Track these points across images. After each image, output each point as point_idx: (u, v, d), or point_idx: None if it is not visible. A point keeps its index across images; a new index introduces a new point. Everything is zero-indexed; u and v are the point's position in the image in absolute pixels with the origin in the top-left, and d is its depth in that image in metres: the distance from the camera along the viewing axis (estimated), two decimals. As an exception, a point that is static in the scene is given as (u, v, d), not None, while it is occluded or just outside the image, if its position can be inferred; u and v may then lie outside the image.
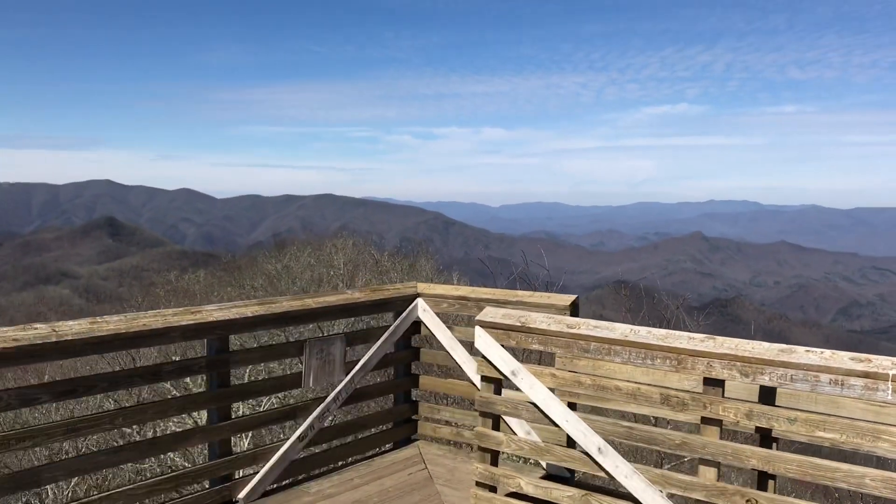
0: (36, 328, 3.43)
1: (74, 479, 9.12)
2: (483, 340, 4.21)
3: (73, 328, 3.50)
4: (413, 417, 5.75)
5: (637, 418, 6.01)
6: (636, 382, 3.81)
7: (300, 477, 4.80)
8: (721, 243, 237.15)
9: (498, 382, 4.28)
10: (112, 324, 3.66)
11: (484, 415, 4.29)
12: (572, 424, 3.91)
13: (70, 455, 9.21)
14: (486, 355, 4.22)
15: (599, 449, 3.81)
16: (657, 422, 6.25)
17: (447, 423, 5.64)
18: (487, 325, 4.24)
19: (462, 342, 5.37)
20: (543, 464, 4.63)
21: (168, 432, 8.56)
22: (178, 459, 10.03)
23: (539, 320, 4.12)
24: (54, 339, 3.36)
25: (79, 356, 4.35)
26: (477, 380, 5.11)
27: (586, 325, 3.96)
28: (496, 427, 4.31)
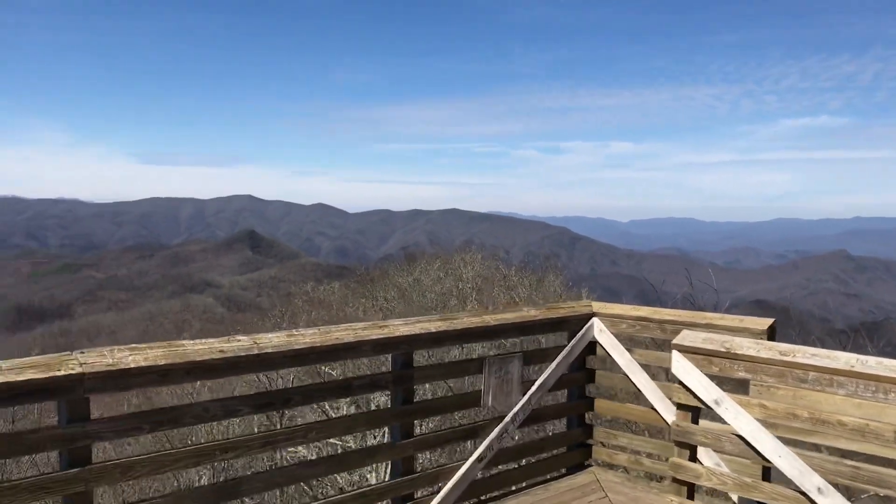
0: (239, 340, 3.47)
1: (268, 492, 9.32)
2: (681, 366, 3.95)
3: (273, 341, 3.53)
4: (587, 442, 5.52)
5: (856, 457, 5.51)
6: (865, 419, 3.43)
7: (482, 497, 4.67)
8: (868, 262, 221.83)
9: (696, 411, 4.01)
10: (308, 337, 3.68)
11: (680, 445, 4.03)
12: (787, 460, 3.58)
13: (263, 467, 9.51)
14: (683, 382, 3.96)
15: (819, 489, 3.47)
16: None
17: (624, 449, 5.37)
18: (686, 350, 3.98)
19: (642, 365, 5.10)
20: (734, 497, 4.33)
21: (356, 448, 8.61)
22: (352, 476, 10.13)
23: (746, 346, 3.81)
24: (256, 352, 3.40)
25: (277, 369, 4.43)
26: (660, 406, 4.84)
27: (803, 353, 3.62)
28: (693, 458, 4.03)
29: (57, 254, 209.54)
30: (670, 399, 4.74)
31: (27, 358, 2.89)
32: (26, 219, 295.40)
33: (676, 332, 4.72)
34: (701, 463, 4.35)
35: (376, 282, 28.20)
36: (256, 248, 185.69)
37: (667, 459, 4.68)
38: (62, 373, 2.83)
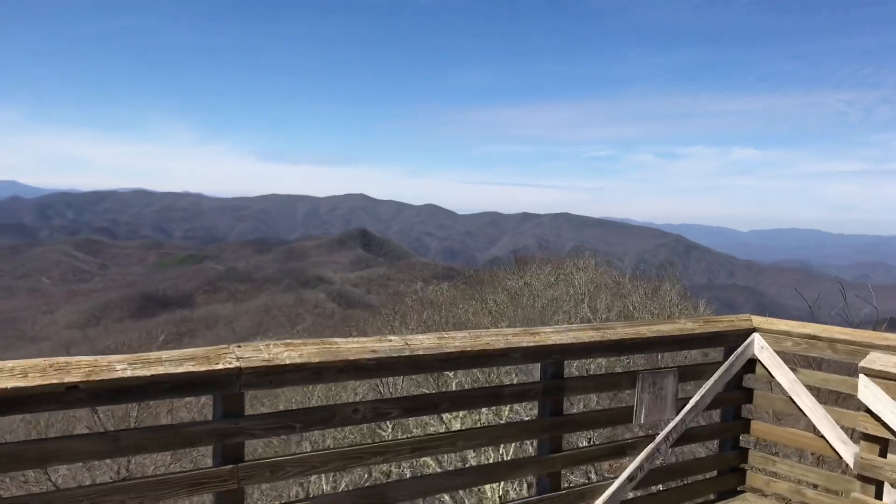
0: (391, 340, 3.36)
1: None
2: (870, 392, 3.53)
3: (424, 343, 3.41)
4: (741, 466, 5.11)
5: None
6: None
7: (630, 520, 4.37)
8: None
9: (885, 443, 3.57)
10: (458, 340, 3.53)
11: (864, 480, 3.61)
12: None
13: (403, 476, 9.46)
14: (872, 409, 3.54)
15: None
16: None
17: (782, 477, 4.93)
18: (877, 375, 3.55)
19: (808, 387, 4.65)
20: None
21: (500, 460, 8.41)
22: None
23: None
24: (407, 353, 3.29)
25: (427, 372, 4.30)
26: (830, 433, 4.40)
27: None
28: (878, 496, 3.60)
29: (181, 245, 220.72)
30: (842, 426, 4.31)
31: (186, 350, 2.85)
32: (154, 211, 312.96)
33: (850, 354, 4.30)
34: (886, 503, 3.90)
35: (485, 284, 28.06)
36: (367, 246, 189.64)
37: (837, 493, 4.25)
38: (220, 367, 2.79)
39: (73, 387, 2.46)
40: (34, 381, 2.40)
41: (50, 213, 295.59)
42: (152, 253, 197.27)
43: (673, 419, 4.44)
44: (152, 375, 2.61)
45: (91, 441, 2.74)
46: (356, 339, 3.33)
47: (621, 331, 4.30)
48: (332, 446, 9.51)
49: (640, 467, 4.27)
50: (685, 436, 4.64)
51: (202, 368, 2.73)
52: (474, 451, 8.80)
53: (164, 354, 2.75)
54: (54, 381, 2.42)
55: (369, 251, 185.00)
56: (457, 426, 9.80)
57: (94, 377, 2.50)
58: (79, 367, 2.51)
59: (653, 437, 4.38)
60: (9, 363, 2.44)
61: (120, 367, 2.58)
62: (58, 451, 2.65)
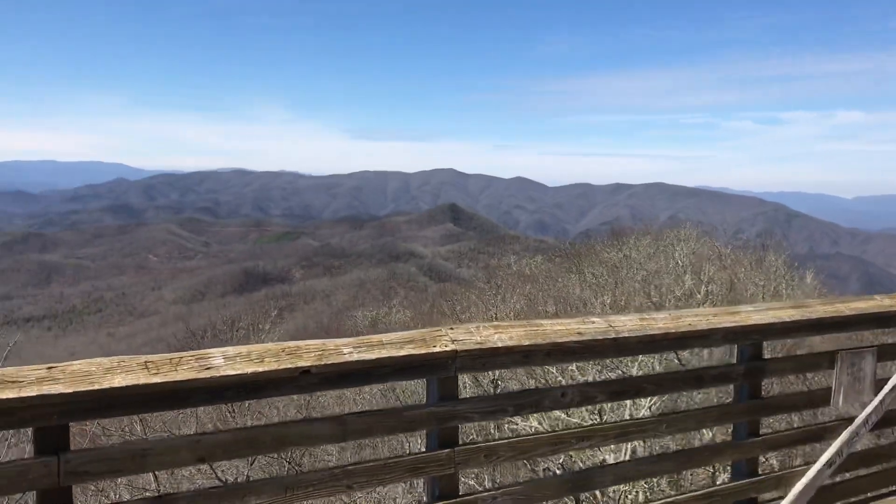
0: (594, 322, 3.27)
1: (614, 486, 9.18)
2: None
3: (627, 325, 3.30)
4: (943, 452, 4.86)
5: None
6: None
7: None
8: None
9: None
10: (661, 322, 3.40)
11: None
12: None
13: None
14: None
15: None
16: None
17: None
18: None
19: None
20: None
21: (697, 444, 8.22)
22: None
23: None
24: (613, 336, 3.20)
25: (631, 355, 4.26)
26: None
27: None
28: None
29: (279, 223, 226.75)
30: None
31: (404, 332, 2.86)
32: (253, 190, 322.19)
33: None
34: None
35: (582, 257, 27.71)
36: (457, 221, 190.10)
37: None
38: (437, 349, 2.77)
39: (305, 371, 2.47)
40: (270, 365, 2.40)
41: (155, 194, 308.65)
42: (252, 231, 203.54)
43: (872, 401, 4.28)
44: (377, 359, 2.62)
45: (324, 425, 2.72)
46: (559, 320, 3.28)
47: (820, 308, 4.11)
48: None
49: (838, 452, 4.10)
50: (884, 419, 4.44)
51: (421, 352, 2.73)
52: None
53: (385, 337, 2.77)
54: (288, 366, 2.43)
55: (459, 225, 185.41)
56: (607, 415, 9.62)
57: (324, 361, 2.51)
58: (309, 351, 2.52)
59: (851, 421, 4.21)
60: (243, 348, 2.46)
61: (347, 350, 2.60)
62: (293, 435, 2.70)
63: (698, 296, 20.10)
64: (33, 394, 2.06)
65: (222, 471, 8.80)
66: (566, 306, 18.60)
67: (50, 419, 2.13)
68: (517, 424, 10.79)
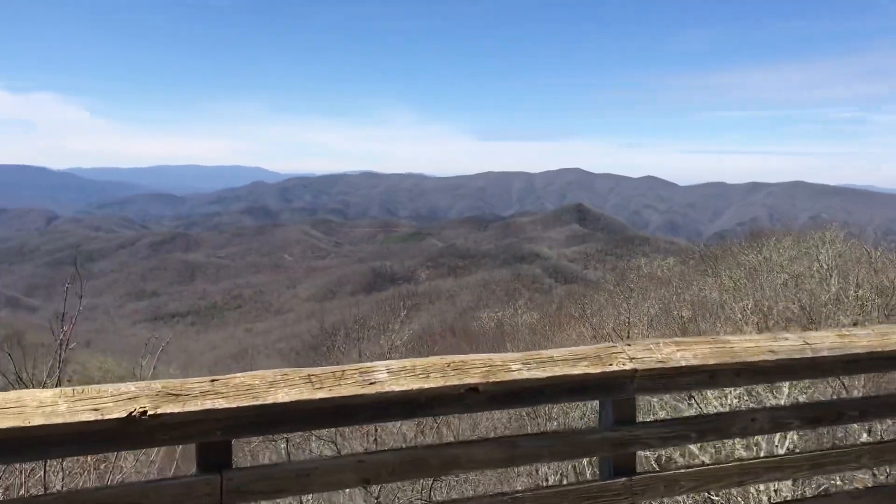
0: (787, 338, 2.89)
1: None
2: None
3: (825, 342, 2.91)
4: None
5: None
6: None
7: None
8: None
9: None
10: (864, 339, 2.97)
11: None
12: None
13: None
14: None
15: None
16: None
17: None
18: None
19: None
20: None
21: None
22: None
23: None
24: (809, 354, 2.83)
25: (828, 375, 3.83)
26: None
27: None
28: None
29: (406, 223, 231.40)
30: None
31: (576, 348, 2.60)
32: (380, 192, 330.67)
33: None
34: None
35: (719, 259, 26.53)
36: (584, 221, 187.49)
37: None
38: (613, 368, 2.51)
39: (472, 388, 2.28)
40: (436, 381, 2.25)
41: (290, 196, 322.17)
42: (380, 231, 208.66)
43: None
44: (549, 377, 2.39)
45: (491, 447, 2.52)
46: (748, 336, 2.96)
47: None
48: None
49: None
50: None
51: (596, 370, 2.48)
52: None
53: (556, 353, 2.52)
54: (455, 383, 2.26)
55: (585, 226, 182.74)
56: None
57: (492, 378, 2.31)
58: (475, 367, 2.32)
59: None
60: (407, 362, 2.31)
61: (516, 367, 2.39)
62: (462, 457, 2.46)
63: (845, 300, 18.73)
64: (198, 408, 1.97)
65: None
66: (703, 311, 17.73)
67: (213, 435, 2.05)
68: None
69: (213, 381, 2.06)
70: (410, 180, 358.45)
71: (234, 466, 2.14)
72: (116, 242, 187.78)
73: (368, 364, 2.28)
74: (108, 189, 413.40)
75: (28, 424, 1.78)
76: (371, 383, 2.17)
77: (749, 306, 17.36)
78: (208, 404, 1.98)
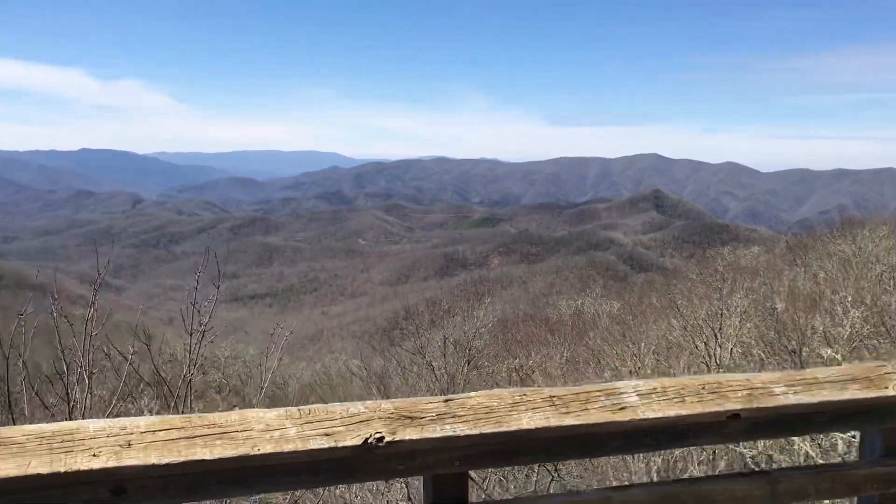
0: None
1: None
2: None
3: None
4: None
5: None
6: None
7: None
8: None
9: None
10: None
11: None
12: None
13: None
14: None
15: None
16: None
17: None
18: None
19: None
20: None
21: None
22: None
23: None
24: None
25: None
26: None
27: None
28: None
29: (478, 209, 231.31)
30: None
31: (841, 367, 2.20)
32: (453, 177, 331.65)
33: None
34: None
35: (809, 249, 25.34)
36: (661, 208, 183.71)
37: None
38: (890, 392, 2.11)
39: (734, 415, 1.96)
40: (693, 407, 1.92)
41: (364, 182, 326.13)
42: (452, 217, 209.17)
43: None
44: (818, 403, 2.04)
45: (749, 483, 2.14)
46: None
47: None
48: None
49: None
50: None
51: (867, 394, 2.10)
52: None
53: (819, 374, 2.14)
54: (714, 409, 1.93)
55: (662, 213, 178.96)
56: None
57: (755, 404, 1.98)
58: (733, 389, 2.00)
59: None
60: (655, 382, 1.99)
61: (779, 389, 2.06)
62: (718, 493, 2.10)
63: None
64: (436, 434, 1.70)
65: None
66: (797, 303, 16.88)
67: (451, 465, 1.76)
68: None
69: (447, 401, 1.78)
70: (483, 166, 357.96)
71: (470, 501, 1.85)
72: (198, 225, 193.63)
73: (612, 385, 1.96)
74: (191, 173, 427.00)
75: (257, 452, 1.54)
76: (621, 408, 1.86)
77: (850, 299, 16.46)
78: (447, 429, 1.71)
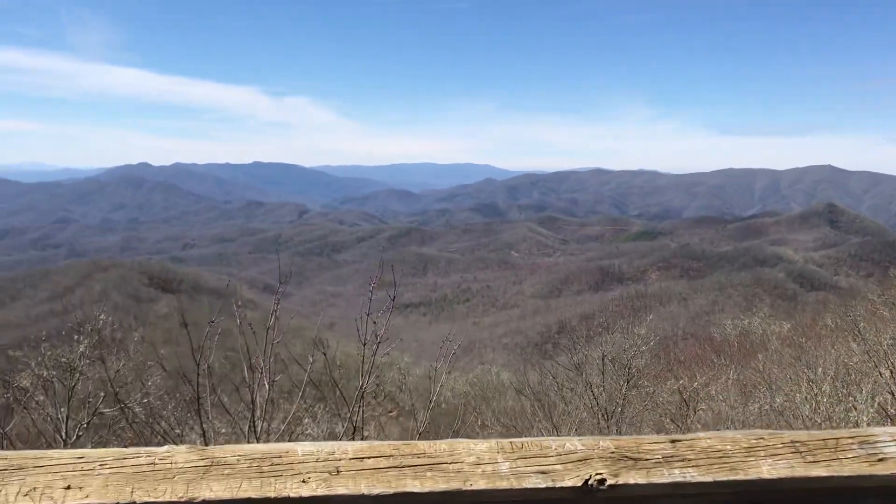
0: None
1: None
2: None
3: None
4: None
5: None
6: None
7: None
8: None
9: None
10: None
11: None
12: None
13: None
14: None
15: None
16: None
17: None
18: None
19: None
20: None
21: None
22: None
23: None
24: None
25: None
26: None
27: None
28: None
29: (636, 222, 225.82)
30: None
31: None
32: (610, 189, 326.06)
33: None
34: None
35: None
36: (835, 223, 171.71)
37: None
38: None
39: None
40: None
41: (518, 194, 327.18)
42: (608, 229, 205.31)
43: None
44: None
45: None
46: None
47: None
48: None
49: None
50: None
51: None
52: None
53: None
54: None
55: (837, 228, 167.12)
56: None
57: None
58: None
59: None
60: None
61: None
62: None
63: None
64: (664, 480, 1.52)
65: None
66: None
67: None
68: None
69: (673, 441, 1.58)
70: (642, 177, 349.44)
71: None
72: (357, 235, 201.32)
73: (866, 431, 1.68)
74: (352, 185, 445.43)
75: (469, 488, 1.42)
76: (880, 459, 1.60)
77: None
78: (676, 475, 1.51)
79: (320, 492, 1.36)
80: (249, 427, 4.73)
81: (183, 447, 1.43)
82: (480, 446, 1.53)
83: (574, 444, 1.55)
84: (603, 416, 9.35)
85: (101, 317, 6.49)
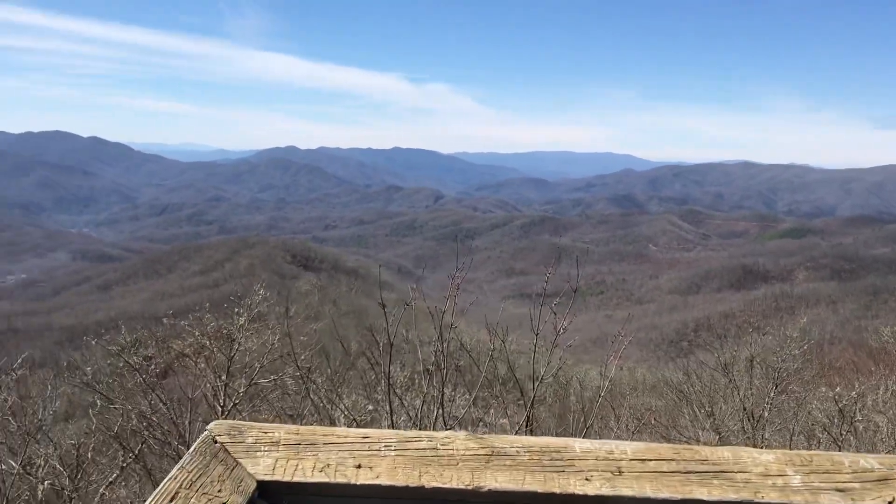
0: None
1: None
2: None
3: None
4: None
5: None
6: None
7: None
8: None
9: None
10: None
11: None
12: None
13: None
14: None
15: None
16: None
17: None
18: None
19: None
20: None
21: None
22: None
23: None
24: None
25: None
26: None
27: None
28: None
29: (784, 218, 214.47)
30: None
31: None
32: (758, 183, 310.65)
33: None
34: None
35: None
36: None
37: None
38: None
39: None
40: None
41: (658, 185, 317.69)
42: (754, 225, 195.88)
43: None
44: None
45: None
46: None
47: None
48: None
49: None
50: None
51: None
52: None
53: None
54: None
55: None
56: None
57: None
58: None
59: None
60: None
61: None
62: None
63: None
64: None
65: None
66: None
67: None
68: None
69: None
70: (792, 171, 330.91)
71: None
72: (491, 222, 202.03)
73: None
74: (487, 172, 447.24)
75: (760, 500, 1.32)
76: None
77: None
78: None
79: (605, 491, 1.31)
80: (416, 414, 4.73)
81: (461, 434, 1.42)
82: (766, 457, 1.44)
83: (870, 461, 1.43)
84: (748, 420, 8.82)
85: (260, 291, 6.79)
